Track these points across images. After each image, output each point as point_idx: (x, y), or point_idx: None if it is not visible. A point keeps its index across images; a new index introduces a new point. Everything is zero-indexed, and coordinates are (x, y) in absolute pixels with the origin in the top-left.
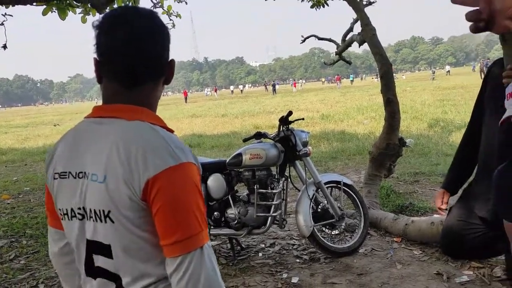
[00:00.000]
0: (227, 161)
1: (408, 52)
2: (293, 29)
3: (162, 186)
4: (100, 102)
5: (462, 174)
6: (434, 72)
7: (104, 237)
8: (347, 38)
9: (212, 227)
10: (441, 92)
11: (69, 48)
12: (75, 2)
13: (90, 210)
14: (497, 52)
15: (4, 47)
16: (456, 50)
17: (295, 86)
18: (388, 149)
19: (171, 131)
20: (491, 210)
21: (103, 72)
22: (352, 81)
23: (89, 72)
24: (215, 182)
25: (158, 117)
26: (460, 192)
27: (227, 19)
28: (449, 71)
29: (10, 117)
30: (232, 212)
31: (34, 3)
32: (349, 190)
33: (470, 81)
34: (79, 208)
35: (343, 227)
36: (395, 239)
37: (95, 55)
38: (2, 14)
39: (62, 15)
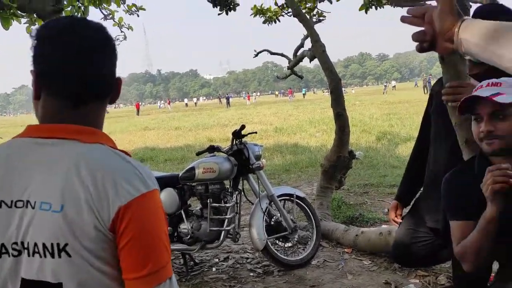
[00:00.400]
0: (180, 175)
1: (357, 67)
2: (247, 43)
3: (134, 215)
4: None
5: (414, 187)
6: (386, 87)
7: (53, 274)
8: (298, 53)
9: None
10: (387, 106)
11: (15, 58)
12: (19, 12)
13: (35, 245)
14: (438, 68)
15: None
16: (401, 66)
17: (249, 99)
18: (339, 162)
19: (129, 155)
20: (441, 220)
21: (43, 87)
22: (304, 94)
23: None
24: (168, 196)
25: (113, 140)
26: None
27: (180, 32)
28: (394, 86)
29: None
30: (185, 227)
31: None
32: (301, 203)
33: (414, 96)
34: (15, 243)
35: (296, 239)
36: (346, 250)
37: (32, 67)
38: None
39: (6, 25)
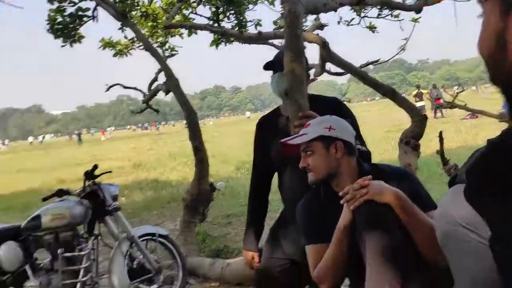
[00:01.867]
0: (21, 225)
1: (213, 99)
2: (98, 76)
3: None
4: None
5: (262, 228)
6: (249, 117)
7: None
8: (152, 87)
9: None
10: (248, 135)
11: None
12: None
13: None
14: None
15: None
16: (253, 98)
17: (103, 134)
18: (200, 195)
19: None
20: (299, 249)
21: None
22: (158, 128)
23: None
24: (8, 251)
25: None
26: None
27: (20, 64)
28: (249, 116)
29: None
30: (31, 284)
31: None
32: (165, 241)
33: None
34: None
35: (161, 280)
36: (212, 284)
37: None
38: None
39: None
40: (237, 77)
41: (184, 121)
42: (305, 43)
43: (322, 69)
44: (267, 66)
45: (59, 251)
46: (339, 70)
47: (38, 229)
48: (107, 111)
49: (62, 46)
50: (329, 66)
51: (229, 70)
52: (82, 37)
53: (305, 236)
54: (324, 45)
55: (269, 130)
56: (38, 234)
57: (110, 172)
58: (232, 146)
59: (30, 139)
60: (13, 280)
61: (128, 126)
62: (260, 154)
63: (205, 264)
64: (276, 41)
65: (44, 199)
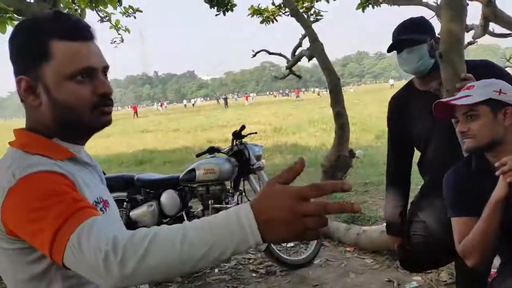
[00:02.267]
0: (180, 177)
1: (355, 66)
2: (245, 43)
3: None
4: None
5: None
6: (392, 85)
7: None
8: (296, 53)
9: None
10: (386, 104)
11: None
12: (16, 16)
13: None
14: None
15: None
16: (398, 65)
17: (247, 100)
18: (339, 161)
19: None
20: (442, 225)
21: None
22: (298, 96)
23: None
24: (169, 198)
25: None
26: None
27: (177, 33)
28: (392, 84)
29: None
30: None
31: None
32: None
33: None
34: None
35: None
36: (348, 249)
37: None
38: None
39: (2, 29)
40: (382, 43)
41: (324, 89)
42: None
43: (483, 31)
44: (391, 48)
45: (209, 202)
46: (505, 31)
47: (193, 181)
48: (250, 77)
49: (216, 15)
50: (492, 26)
51: (373, 35)
52: (234, 5)
53: (452, 208)
54: (489, 3)
55: (406, 106)
56: (192, 185)
57: (255, 133)
58: (372, 114)
59: (185, 101)
60: (172, 223)
61: (269, 92)
62: (397, 135)
63: (340, 228)
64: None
65: (198, 155)
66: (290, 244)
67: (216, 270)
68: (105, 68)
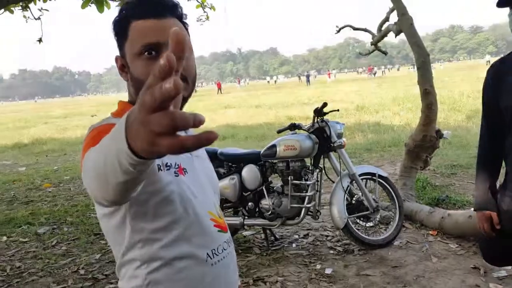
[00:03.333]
0: (261, 152)
1: (446, 41)
2: (328, 19)
3: None
4: None
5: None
6: (489, 61)
7: None
8: (383, 28)
9: (246, 217)
10: (480, 83)
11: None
12: None
13: None
14: None
15: (40, 40)
16: (497, 39)
17: (329, 77)
18: (425, 141)
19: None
20: None
21: None
22: (383, 72)
23: None
24: (250, 173)
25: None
26: None
27: (260, 10)
28: (489, 61)
29: (49, 108)
30: (266, 203)
31: None
32: (384, 182)
33: None
34: None
35: (377, 219)
36: (430, 232)
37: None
38: (39, 9)
39: (100, 9)
40: (478, 15)
41: (411, 65)
42: None
43: None
44: (502, 2)
45: (289, 178)
46: None
47: (273, 157)
48: (333, 54)
49: None
50: None
51: (468, 7)
52: None
53: None
54: None
55: (506, 75)
56: (273, 161)
57: (337, 110)
58: (464, 93)
59: (268, 78)
60: (252, 197)
61: (352, 69)
62: (491, 107)
63: (423, 211)
64: None
65: (279, 131)
66: (370, 224)
67: (294, 245)
68: None
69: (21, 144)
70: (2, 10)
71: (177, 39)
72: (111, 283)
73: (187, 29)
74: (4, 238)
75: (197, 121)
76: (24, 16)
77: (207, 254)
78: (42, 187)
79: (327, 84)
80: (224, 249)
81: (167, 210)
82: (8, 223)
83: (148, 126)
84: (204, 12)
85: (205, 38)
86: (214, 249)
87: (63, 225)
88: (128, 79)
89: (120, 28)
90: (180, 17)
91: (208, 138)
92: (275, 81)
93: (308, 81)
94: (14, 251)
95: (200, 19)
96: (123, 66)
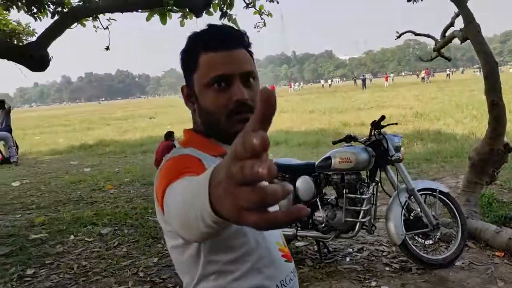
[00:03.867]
0: (316, 164)
1: None
2: (385, 21)
3: None
4: None
5: None
6: None
7: None
8: (447, 34)
9: (299, 228)
10: None
11: (162, 44)
12: (175, 8)
13: None
14: None
15: (107, 48)
16: None
17: (386, 80)
18: (492, 155)
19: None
20: None
21: None
22: (448, 75)
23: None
24: (304, 184)
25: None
26: None
27: (316, 13)
28: None
29: (111, 110)
30: (320, 215)
31: (139, 10)
32: (445, 198)
33: None
34: None
35: (437, 237)
36: (497, 253)
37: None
38: (107, 19)
39: (163, 20)
40: None
41: (477, 68)
42: None
43: None
44: None
45: (344, 190)
46: None
47: (328, 169)
48: (391, 56)
49: None
50: None
51: None
52: None
53: None
54: None
55: None
56: (328, 173)
57: (395, 124)
58: None
59: (322, 82)
60: None
61: (411, 72)
62: None
63: (489, 230)
64: None
65: (334, 142)
66: (429, 242)
67: (348, 259)
68: (246, 73)
69: (86, 145)
70: (76, 23)
71: (269, 102)
72: (168, 287)
73: (252, 57)
74: (72, 237)
75: (285, 193)
76: (94, 26)
77: (276, 285)
78: (105, 189)
79: (384, 88)
80: (291, 280)
81: (240, 242)
82: (75, 223)
83: (235, 200)
84: (262, 19)
85: (260, 42)
86: (282, 280)
87: (123, 227)
88: (194, 109)
89: (189, 60)
90: (247, 46)
91: (299, 216)
92: (330, 85)
93: (364, 84)
94: (81, 250)
95: (257, 26)
96: (189, 95)
